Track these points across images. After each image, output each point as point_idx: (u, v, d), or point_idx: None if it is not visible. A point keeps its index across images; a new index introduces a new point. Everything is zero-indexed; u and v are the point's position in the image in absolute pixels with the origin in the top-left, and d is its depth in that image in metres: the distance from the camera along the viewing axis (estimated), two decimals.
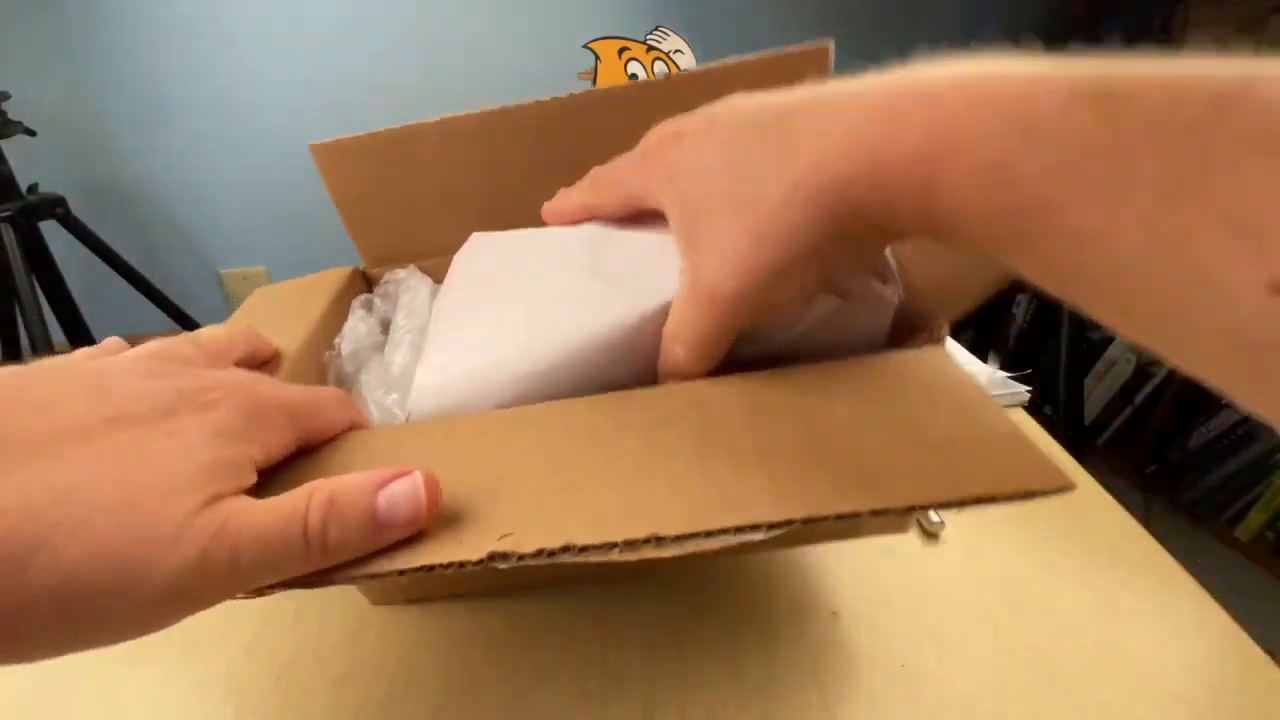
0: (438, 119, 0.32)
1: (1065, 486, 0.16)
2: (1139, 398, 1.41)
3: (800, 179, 0.17)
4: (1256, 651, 0.29)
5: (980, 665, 0.31)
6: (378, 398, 0.26)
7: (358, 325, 0.31)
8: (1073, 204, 0.13)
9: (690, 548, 0.15)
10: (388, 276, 0.35)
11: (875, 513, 0.16)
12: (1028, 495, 0.16)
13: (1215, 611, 0.31)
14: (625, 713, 0.29)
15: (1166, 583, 0.32)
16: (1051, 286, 0.15)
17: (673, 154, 0.21)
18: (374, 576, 0.16)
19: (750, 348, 0.22)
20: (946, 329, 0.22)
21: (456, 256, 0.31)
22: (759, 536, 0.15)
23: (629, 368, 0.22)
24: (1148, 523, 0.35)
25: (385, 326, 0.32)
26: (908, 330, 0.23)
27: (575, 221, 0.26)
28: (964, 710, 0.29)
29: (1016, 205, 0.14)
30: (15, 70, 1.06)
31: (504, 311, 0.25)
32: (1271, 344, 0.11)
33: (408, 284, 0.34)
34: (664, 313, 0.21)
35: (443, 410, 0.23)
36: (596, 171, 0.25)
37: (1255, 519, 1.21)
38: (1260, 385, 0.12)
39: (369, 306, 0.33)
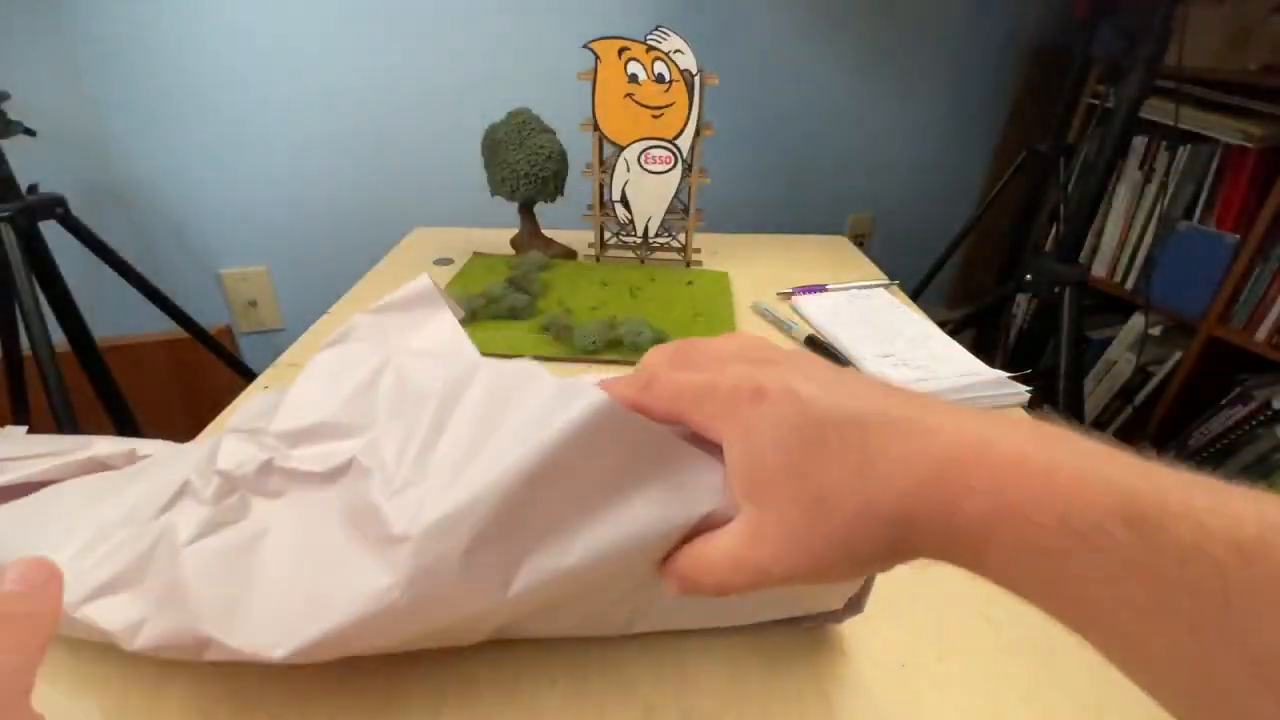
0: None
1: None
2: (1139, 398, 1.41)
3: (874, 502, 0.19)
4: None
5: (980, 665, 0.31)
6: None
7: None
8: (1113, 609, 0.15)
9: None
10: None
11: None
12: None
13: None
14: (625, 713, 0.29)
15: None
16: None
17: (752, 413, 0.22)
18: None
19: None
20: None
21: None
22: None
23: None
24: None
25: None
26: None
27: None
28: (964, 710, 0.29)
29: (1062, 591, 0.16)
30: (15, 70, 1.06)
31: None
32: None
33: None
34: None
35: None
36: (654, 377, 0.25)
37: None
38: None
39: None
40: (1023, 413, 0.54)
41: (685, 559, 0.24)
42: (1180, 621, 0.14)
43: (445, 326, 0.37)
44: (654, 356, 0.27)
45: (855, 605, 0.30)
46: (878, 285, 0.76)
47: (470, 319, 0.63)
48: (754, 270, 0.80)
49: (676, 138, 0.71)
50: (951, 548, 0.18)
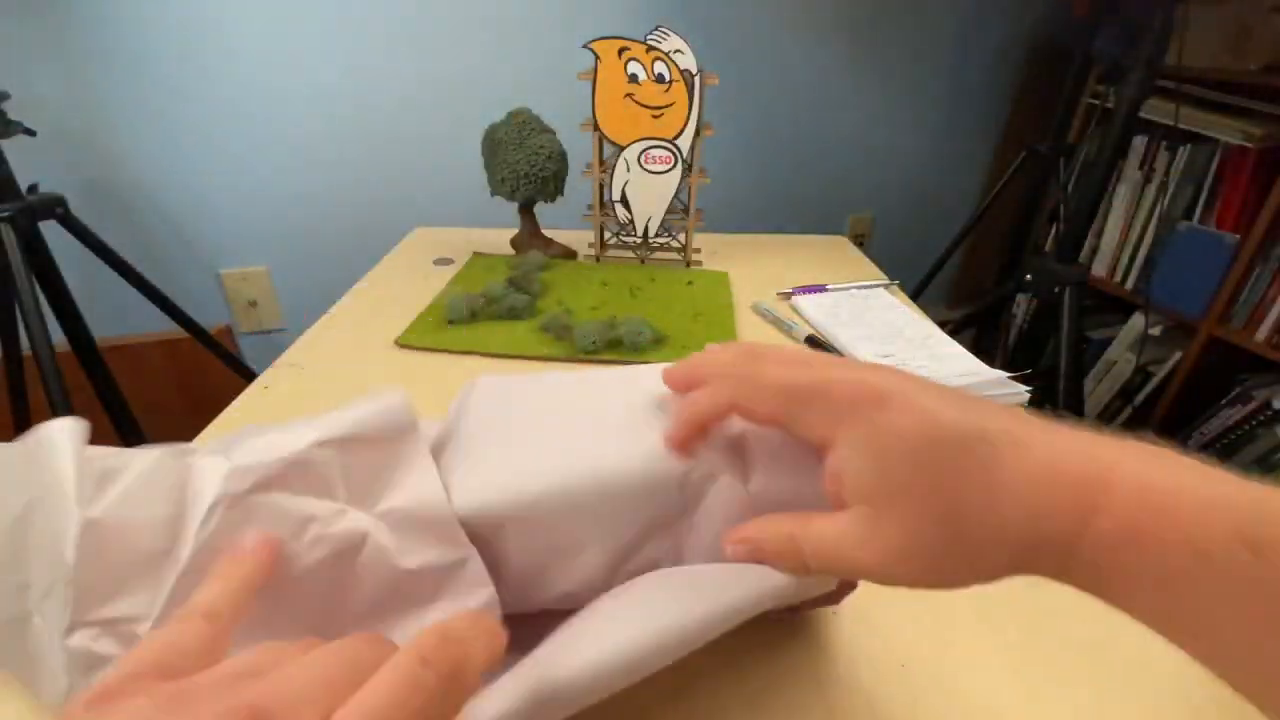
0: None
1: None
2: (1139, 398, 1.41)
3: (1006, 523, 0.19)
4: None
5: (980, 665, 0.31)
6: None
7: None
8: (1234, 626, 0.16)
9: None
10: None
11: None
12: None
13: None
14: (625, 712, 0.29)
15: None
16: (1188, 651, 0.17)
17: (878, 418, 0.21)
18: None
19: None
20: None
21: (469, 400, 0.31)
22: None
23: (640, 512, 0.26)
24: None
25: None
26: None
27: (716, 415, 0.26)
28: (964, 710, 0.29)
29: (1184, 608, 0.17)
30: (15, 70, 1.06)
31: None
32: None
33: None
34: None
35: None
36: (750, 374, 0.24)
37: None
38: None
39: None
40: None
41: (768, 531, 0.24)
42: None
43: (426, 480, 0.26)
44: (720, 356, 0.26)
45: (841, 593, 0.30)
46: (878, 285, 0.76)
47: (470, 319, 0.63)
48: (754, 270, 0.80)
49: (676, 138, 0.71)
50: (1074, 568, 0.19)
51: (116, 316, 1.20)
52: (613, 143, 0.72)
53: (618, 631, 0.22)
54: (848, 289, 0.74)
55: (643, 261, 0.80)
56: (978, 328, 1.70)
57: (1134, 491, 0.18)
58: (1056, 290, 1.11)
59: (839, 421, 0.22)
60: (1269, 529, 0.16)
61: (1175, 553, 0.17)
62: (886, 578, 0.22)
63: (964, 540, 0.20)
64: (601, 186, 0.75)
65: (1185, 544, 0.16)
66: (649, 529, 0.27)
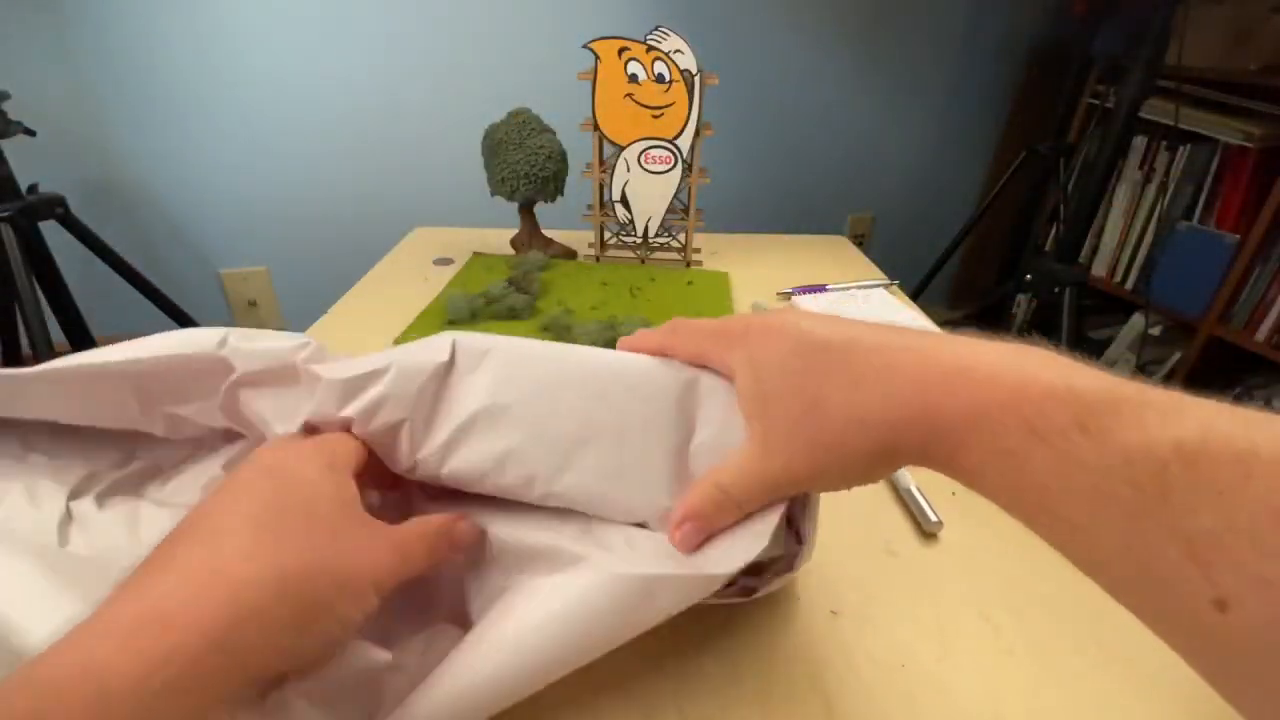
0: None
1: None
2: None
3: (863, 407, 0.22)
4: None
5: (980, 665, 0.31)
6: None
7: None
8: (1066, 500, 0.17)
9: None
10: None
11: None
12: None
13: None
14: (625, 713, 0.29)
15: None
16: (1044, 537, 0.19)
17: (758, 342, 0.25)
18: None
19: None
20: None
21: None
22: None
23: None
24: None
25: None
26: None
27: (648, 350, 0.30)
28: (964, 710, 0.29)
29: (1022, 484, 0.18)
30: (15, 70, 1.06)
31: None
32: (1224, 647, 0.14)
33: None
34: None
35: None
36: (678, 323, 0.29)
37: None
38: (1222, 682, 0.15)
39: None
40: None
41: (697, 495, 0.26)
42: (1122, 509, 0.16)
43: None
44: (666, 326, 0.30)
45: (791, 564, 0.29)
46: (878, 285, 0.76)
47: (470, 319, 0.63)
48: (754, 270, 0.80)
49: (676, 138, 0.71)
50: (930, 449, 0.21)
51: (116, 316, 1.20)
52: (613, 143, 0.72)
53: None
54: (848, 289, 0.74)
55: (643, 261, 0.80)
56: (978, 328, 1.70)
57: (984, 380, 0.19)
58: (1056, 290, 1.11)
59: (735, 351, 0.26)
60: (1106, 412, 0.17)
61: (1013, 433, 0.18)
62: (784, 482, 0.24)
63: (828, 428, 0.22)
64: (601, 186, 0.75)
65: (1023, 424, 0.18)
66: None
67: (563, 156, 0.75)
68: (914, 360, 0.21)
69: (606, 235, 0.80)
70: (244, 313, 1.38)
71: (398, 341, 0.60)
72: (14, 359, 0.99)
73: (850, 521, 0.38)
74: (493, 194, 0.77)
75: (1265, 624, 0.14)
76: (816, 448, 0.23)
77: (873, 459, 0.22)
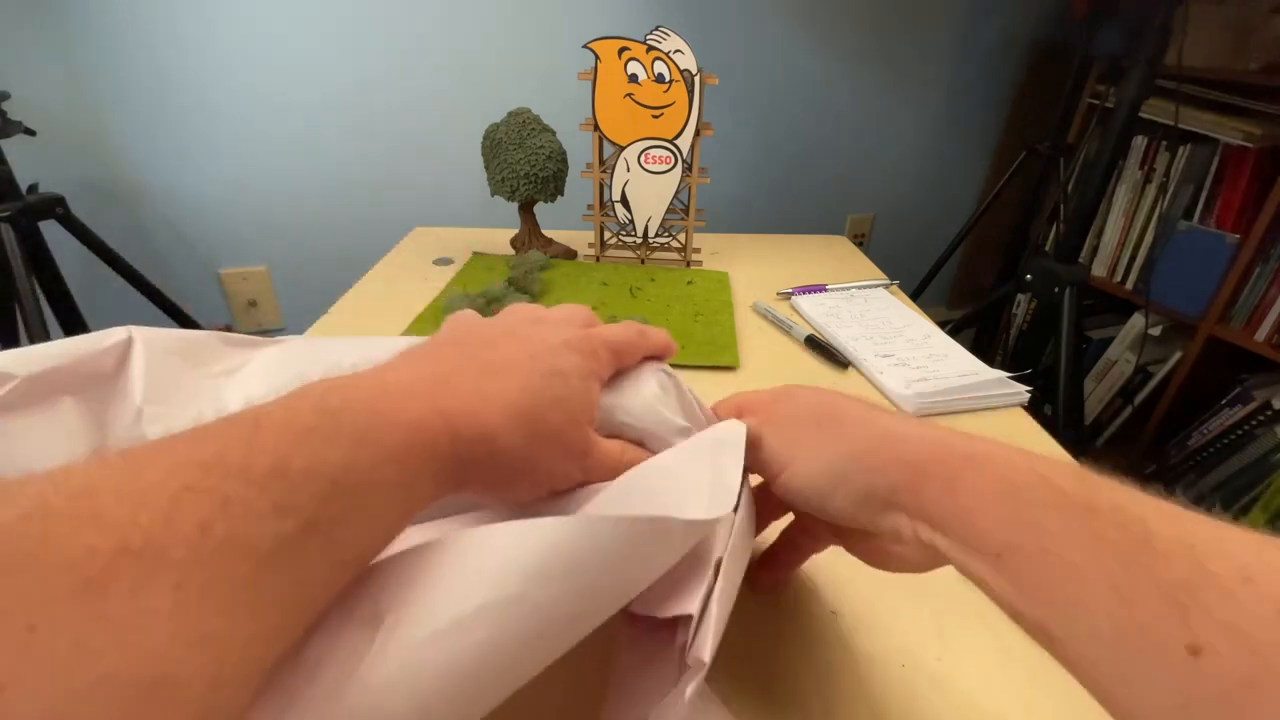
0: None
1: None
2: (1139, 398, 1.41)
3: (858, 467, 0.25)
4: None
5: (980, 665, 0.31)
6: None
7: None
8: (1060, 539, 0.19)
9: None
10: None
11: None
12: None
13: None
14: None
15: None
16: (1013, 601, 0.20)
17: (779, 409, 0.30)
18: None
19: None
20: None
21: None
22: None
23: None
24: None
25: None
26: None
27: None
28: (964, 710, 0.29)
29: (1020, 519, 0.20)
30: (15, 70, 1.06)
31: None
32: (1192, 698, 0.15)
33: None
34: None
35: None
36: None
37: (1255, 519, 1.21)
38: None
39: None
40: (1023, 413, 0.54)
41: (789, 538, 0.32)
42: (1111, 551, 0.17)
43: None
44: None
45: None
46: (877, 285, 0.76)
47: None
48: (754, 270, 0.80)
49: (676, 138, 0.71)
50: (921, 508, 0.23)
51: (116, 316, 1.19)
52: (613, 143, 0.72)
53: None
54: (847, 289, 0.74)
55: (643, 261, 0.80)
56: (978, 328, 1.70)
57: (962, 453, 0.23)
58: (1056, 290, 1.11)
59: (761, 412, 0.30)
60: (1087, 476, 0.20)
61: (985, 484, 0.21)
62: (785, 498, 0.29)
63: (834, 473, 0.26)
64: (601, 186, 0.75)
65: (997, 478, 0.21)
66: None
67: (563, 156, 0.75)
68: (895, 435, 0.25)
69: (606, 235, 0.80)
70: (244, 313, 1.38)
71: None
72: None
73: None
74: (493, 194, 0.77)
75: (1233, 670, 0.15)
76: (816, 479, 0.27)
77: (860, 509, 0.25)
